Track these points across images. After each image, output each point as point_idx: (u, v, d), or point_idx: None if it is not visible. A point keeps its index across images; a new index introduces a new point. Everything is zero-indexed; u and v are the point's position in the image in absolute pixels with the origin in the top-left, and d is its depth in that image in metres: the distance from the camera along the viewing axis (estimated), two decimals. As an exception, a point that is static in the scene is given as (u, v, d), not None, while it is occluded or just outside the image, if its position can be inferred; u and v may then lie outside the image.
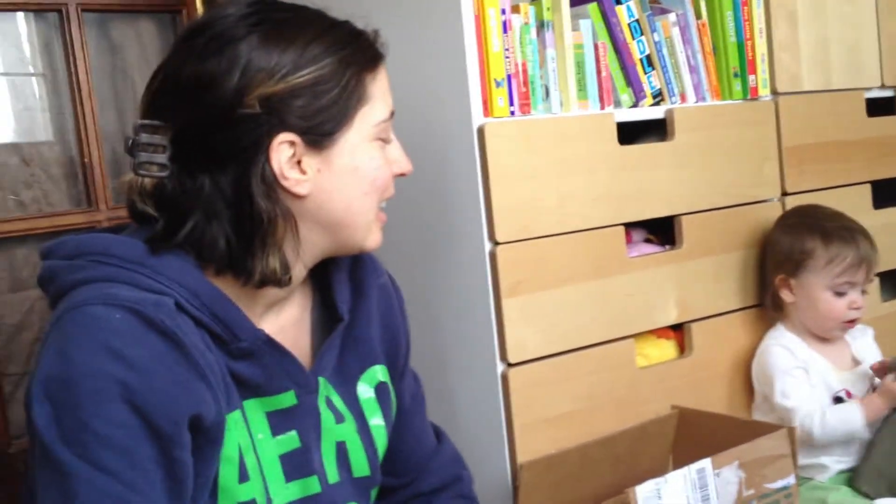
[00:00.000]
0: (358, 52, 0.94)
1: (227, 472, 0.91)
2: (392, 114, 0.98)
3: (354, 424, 1.04)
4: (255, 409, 0.94)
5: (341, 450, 1.02)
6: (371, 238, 1.00)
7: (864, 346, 1.76)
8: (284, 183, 0.91)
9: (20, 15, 1.85)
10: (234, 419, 0.91)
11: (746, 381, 1.75)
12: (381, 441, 1.07)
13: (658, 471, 1.28)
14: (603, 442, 1.45)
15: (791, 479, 1.42)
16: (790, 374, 1.67)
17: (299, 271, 0.97)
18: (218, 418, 0.88)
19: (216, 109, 0.88)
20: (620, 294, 1.55)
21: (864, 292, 1.70)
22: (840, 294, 1.68)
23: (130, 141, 0.91)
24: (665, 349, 1.65)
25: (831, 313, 1.69)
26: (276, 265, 0.92)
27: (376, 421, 1.07)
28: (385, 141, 0.98)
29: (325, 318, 1.05)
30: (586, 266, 1.51)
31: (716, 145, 1.69)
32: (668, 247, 1.67)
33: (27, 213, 1.83)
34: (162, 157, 0.90)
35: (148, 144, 0.90)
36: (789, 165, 1.79)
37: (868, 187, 1.93)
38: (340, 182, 0.94)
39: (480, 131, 1.41)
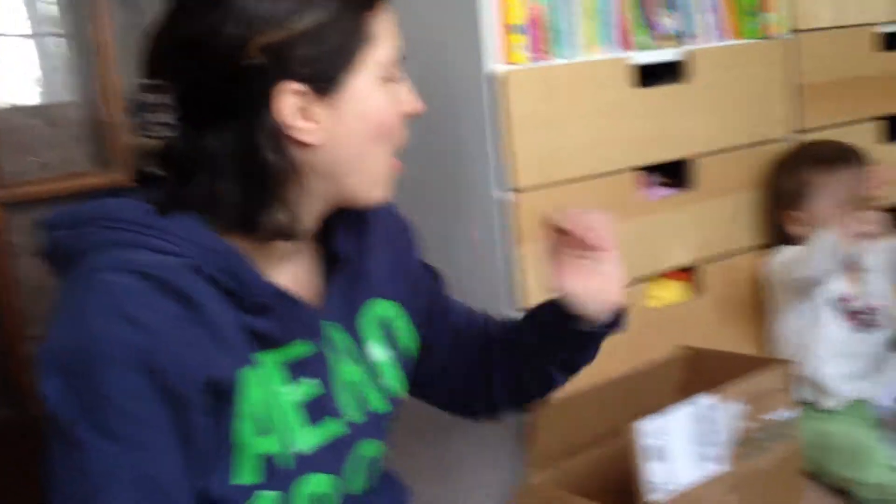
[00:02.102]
0: None
1: (246, 428, 0.90)
2: (400, 52, 0.96)
3: (365, 363, 1.05)
4: (272, 362, 0.93)
5: (357, 390, 1.03)
6: (378, 189, 0.98)
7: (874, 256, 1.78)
8: (291, 133, 0.89)
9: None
10: (252, 374, 0.90)
11: (760, 319, 1.78)
12: (390, 376, 1.08)
13: (667, 408, 1.34)
14: (613, 383, 1.50)
15: (792, 411, 1.49)
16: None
17: (309, 223, 0.96)
18: (234, 377, 0.88)
19: (217, 63, 0.86)
20: (636, 237, 1.59)
21: (869, 207, 1.70)
22: (846, 212, 1.70)
23: (134, 102, 0.90)
24: (677, 290, 1.68)
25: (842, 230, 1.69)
26: (284, 219, 0.91)
27: (379, 356, 1.07)
28: (393, 81, 0.95)
29: (332, 261, 1.04)
30: (603, 210, 1.54)
31: (733, 85, 1.70)
32: (682, 189, 1.69)
33: (51, 175, 1.85)
34: (168, 117, 0.88)
35: (153, 105, 0.88)
36: (804, 103, 1.81)
37: (883, 123, 1.95)
38: (350, 128, 0.92)
39: (497, 79, 1.42)
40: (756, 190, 1.78)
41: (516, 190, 1.46)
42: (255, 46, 0.86)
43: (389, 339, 1.09)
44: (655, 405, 1.51)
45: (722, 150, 1.70)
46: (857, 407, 1.73)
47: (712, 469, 1.37)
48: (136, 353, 0.81)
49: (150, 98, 0.89)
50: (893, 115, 1.97)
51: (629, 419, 1.30)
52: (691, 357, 1.63)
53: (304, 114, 0.89)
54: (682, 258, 1.67)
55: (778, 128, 1.80)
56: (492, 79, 1.43)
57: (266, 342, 0.92)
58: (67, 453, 0.82)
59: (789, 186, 1.76)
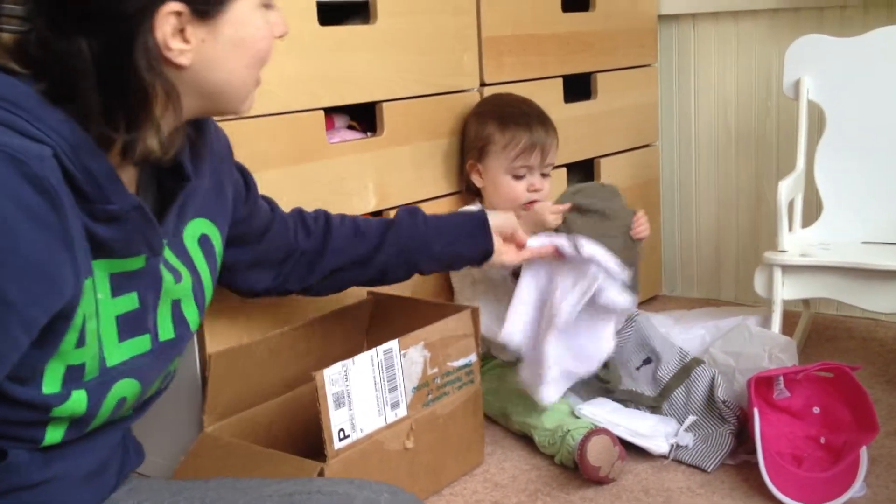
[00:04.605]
0: None
1: (68, 338, 0.88)
2: None
3: (191, 279, 1.05)
4: (101, 270, 0.91)
5: (177, 307, 1.03)
6: (247, 103, 0.99)
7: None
8: (167, 54, 0.87)
9: None
10: (88, 284, 0.88)
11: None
12: (207, 286, 1.09)
13: (352, 355, 1.30)
14: (295, 330, 1.46)
15: (472, 357, 1.50)
16: None
17: (168, 138, 0.93)
18: (76, 292, 0.85)
19: None
20: (320, 180, 1.54)
21: (543, 175, 1.80)
22: (518, 177, 1.77)
23: None
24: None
25: (511, 195, 1.78)
26: (155, 144, 0.89)
27: (201, 267, 1.08)
28: (270, 6, 0.96)
29: (164, 174, 1.01)
30: (285, 151, 1.48)
31: (419, 32, 1.69)
32: (369, 134, 1.67)
33: None
34: (20, 9, 0.85)
35: None
36: (488, 56, 1.84)
37: (560, 81, 2.03)
38: (225, 53, 0.91)
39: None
40: (443, 139, 1.78)
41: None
42: None
43: (208, 254, 1.10)
44: (341, 352, 1.48)
45: (408, 97, 1.69)
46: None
47: (394, 415, 1.36)
48: None
49: None
50: (571, 75, 2.06)
51: (314, 366, 1.27)
52: (377, 304, 1.60)
53: (181, 35, 0.88)
54: (367, 204, 1.63)
55: (465, 79, 1.81)
56: None
57: (103, 250, 0.90)
58: None
59: (473, 137, 1.78)
